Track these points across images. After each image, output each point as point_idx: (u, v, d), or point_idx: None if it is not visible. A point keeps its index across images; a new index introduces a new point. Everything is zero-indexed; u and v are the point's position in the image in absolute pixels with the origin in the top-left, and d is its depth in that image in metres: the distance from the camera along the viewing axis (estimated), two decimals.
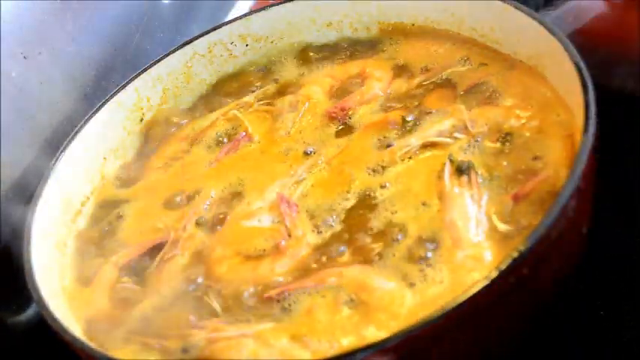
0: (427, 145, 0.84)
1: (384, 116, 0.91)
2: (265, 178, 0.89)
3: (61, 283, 0.84)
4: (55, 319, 0.73)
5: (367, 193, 0.82)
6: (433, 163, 0.82)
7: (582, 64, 0.76)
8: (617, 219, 0.90)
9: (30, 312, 0.93)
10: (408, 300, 0.70)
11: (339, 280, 0.74)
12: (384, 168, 0.84)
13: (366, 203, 0.81)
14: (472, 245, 0.72)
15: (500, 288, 0.62)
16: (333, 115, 0.94)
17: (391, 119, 0.89)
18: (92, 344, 0.73)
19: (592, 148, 0.69)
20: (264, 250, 0.80)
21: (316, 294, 0.74)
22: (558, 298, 0.76)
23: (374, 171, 0.84)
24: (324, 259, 0.77)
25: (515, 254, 0.63)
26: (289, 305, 0.74)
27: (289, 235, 0.80)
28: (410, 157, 0.84)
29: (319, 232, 0.80)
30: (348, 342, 0.69)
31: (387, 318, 0.69)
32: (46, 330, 0.73)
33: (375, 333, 0.68)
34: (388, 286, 0.72)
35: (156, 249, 0.85)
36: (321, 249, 0.79)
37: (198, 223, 0.86)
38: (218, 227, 0.85)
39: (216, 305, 0.77)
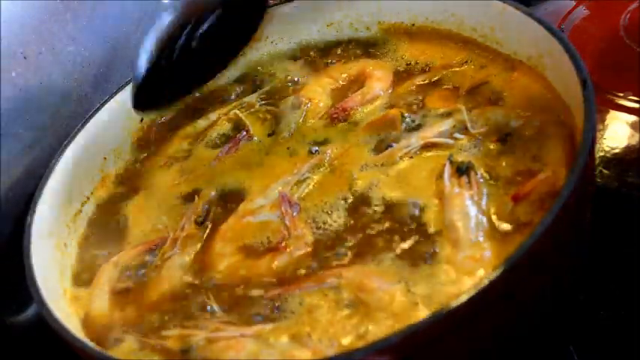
0: (428, 146, 0.84)
1: (382, 114, 0.91)
2: (268, 178, 0.89)
3: (61, 283, 0.84)
4: (55, 319, 0.73)
5: (367, 193, 0.82)
6: (433, 163, 0.82)
7: (582, 64, 0.76)
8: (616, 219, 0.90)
9: (30, 312, 0.93)
10: (407, 301, 0.70)
11: (339, 280, 0.74)
12: (384, 168, 0.84)
13: (366, 204, 0.81)
14: (472, 246, 0.72)
15: (500, 288, 0.62)
16: (335, 115, 0.95)
17: (390, 116, 0.89)
18: (92, 344, 0.74)
19: (591, 147, 0.69)
20: (264, 248, 0.80)
21: (316, 294, 0.74)
22: (558, 298, 0.76)
23: (374, 171, 0.84)
24: (324, 258, 0.78)
25: (515, 254, 0.63)
26: (289, 305, 0.74)
27: (289, 235, 0.80)
28: (410, 157, 0.84)
29: (319, 232, 0.80)
30: (347, 342, 0.69)
31: (386, 318, 0.69)
32: (46, 330, 0.73)
33: (374, 333, 0.68)
34: (388, 286, 0.72)
35: (156, 249, 0.85)
36: (321, 249, 0.79)
37: (197, 222, 0.86)
38: (219, 224, 0.85)
39: (215, 305, 0.77)
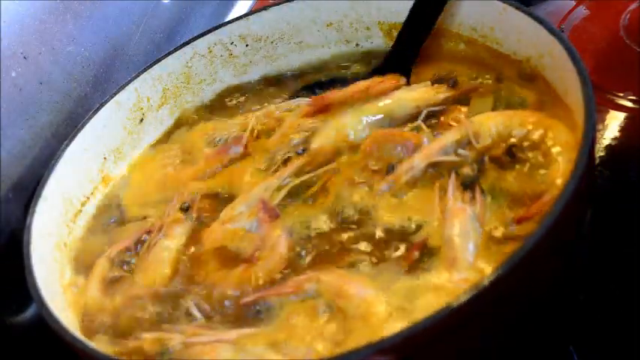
0: (432, 165, 0.81)
1: (399, 132, 0.86)
2: (254, 181, 0.88)
3: (61, 283, 0.84)
4: (55, 320, 0.73)
5: (358, 208, 0.80)
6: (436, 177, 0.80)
7: (582, 64, 0.76)
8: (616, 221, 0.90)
9: (30, 312, 0.93)
10: (384, 310, 0.69)
11: (317, 286, 0.73)
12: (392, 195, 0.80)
13: (352, 215, 0.80)
14: (468, 267, 0.70)
15: (500, 288, 0.62)
16: (312, 101, 0.93)
17: (406, 138, 0.84)
18: (92, 344, 0.73)
19: (591, 147, 0.69)
20: (240, 258, 0.79)
21: (294, 301, 0.73)
22: (558, 298, 0.76)
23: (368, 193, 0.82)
24: (300, 266, 0.76)
25: (516, 254, 0.63)
26: (267, 311, 0.73)
27: (262, 245, 0.78)
28: (416, 182, 0.80)
29: (299, 242, 0.79)
30: (324, 350, 0.68)
31: (363, 327, 0.68)
32: (46, 330, 0.73)
33: (351, 341, 0.67)
34: (366, 293, 0.70)
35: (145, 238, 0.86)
36: (299, 257, 0.78)
37: (182, 209, 0.86)
38: (207, 224, 0.85)
39: (194, 309, 0.76)
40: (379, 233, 0.77)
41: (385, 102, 0.90)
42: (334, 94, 0.94)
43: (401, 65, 0.95)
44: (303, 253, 0.78)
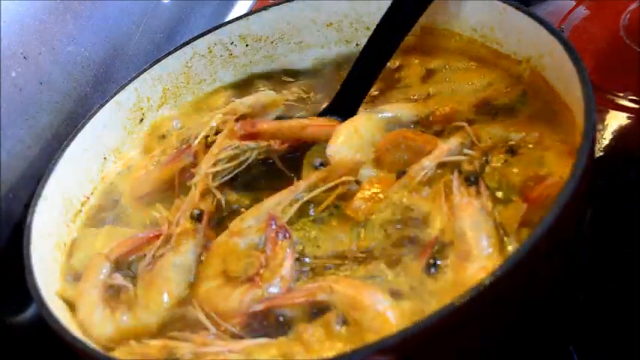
0: (440, 166, 0.81)
1: (419, 134, 0.86)
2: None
3: (61, 283, 0.84)
4: (55, 320, 0.73)
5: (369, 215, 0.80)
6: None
7: (582, 64, 0.76)
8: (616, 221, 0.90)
9: (30, 312, 0.93)
10: (404, 316, 0.68)
11: (330, 295, 0.71)
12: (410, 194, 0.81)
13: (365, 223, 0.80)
14: (484, 257, 0.71)
15: (500, 288, 0.62)
16: (243, 132, 0.91)
17: (425, 142, 0.84)
18: (92, 344, 0.73)
19: (591, 147, 0.69)
20: (244, 277, 0.77)
21: (307, 312, 0.72)
22: (558, 298, 0.77)
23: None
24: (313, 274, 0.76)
25: (516, 254, 0.63)
26: (279, 322, 0.72)
27: (266, 264, 0.76)
28: (430, 183, 0.80)
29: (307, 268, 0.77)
30: None
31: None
32: (46, 330, 0.73)
33: None
34: (381, 304, 0.69)
35: (150, 242, 0.84)
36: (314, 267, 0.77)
37: (192, 217, 0.83)
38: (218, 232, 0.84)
39: (203, 318, 0.74)
40: (394, 237, 0.77)
41: (395, 107, 0.91)
42: (268, 124, 0.92)
43: (347, 109, 0.94)
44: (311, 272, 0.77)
